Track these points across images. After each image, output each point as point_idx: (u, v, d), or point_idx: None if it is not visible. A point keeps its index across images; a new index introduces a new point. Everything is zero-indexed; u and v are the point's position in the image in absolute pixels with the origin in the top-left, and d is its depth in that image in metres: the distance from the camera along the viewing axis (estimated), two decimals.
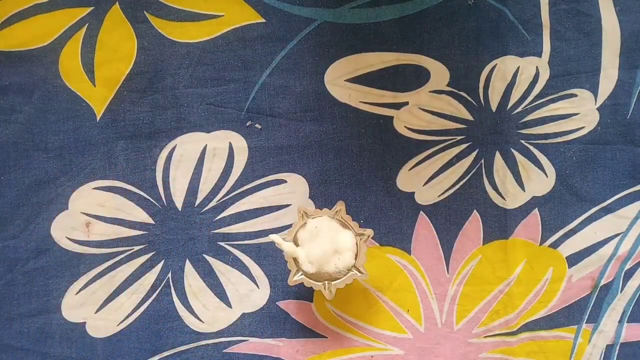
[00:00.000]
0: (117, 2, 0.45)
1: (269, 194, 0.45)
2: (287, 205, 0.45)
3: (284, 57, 0.45)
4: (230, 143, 0.45)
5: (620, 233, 0.44)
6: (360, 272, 0.41)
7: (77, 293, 0.45)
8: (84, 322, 0.45)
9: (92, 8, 0.45)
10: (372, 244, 0.45)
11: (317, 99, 0.45)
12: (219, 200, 0.45)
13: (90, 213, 0.45)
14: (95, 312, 0.45)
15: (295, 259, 0.41)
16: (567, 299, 0.44)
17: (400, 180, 0.45)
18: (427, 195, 0.45)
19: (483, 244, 0.45)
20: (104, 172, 0.45)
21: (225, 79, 0.45)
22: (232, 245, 0.45)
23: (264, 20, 0.45)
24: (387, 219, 0.45)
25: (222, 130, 0.45)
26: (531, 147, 0.45)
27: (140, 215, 0.45)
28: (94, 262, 0.45)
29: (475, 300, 0.45)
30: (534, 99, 0.45)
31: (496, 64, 0.45)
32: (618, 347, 0.44)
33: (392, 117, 0.45)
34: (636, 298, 0.44)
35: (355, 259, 0.41)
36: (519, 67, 0.45)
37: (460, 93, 0.45)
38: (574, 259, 0.44)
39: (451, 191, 0.45)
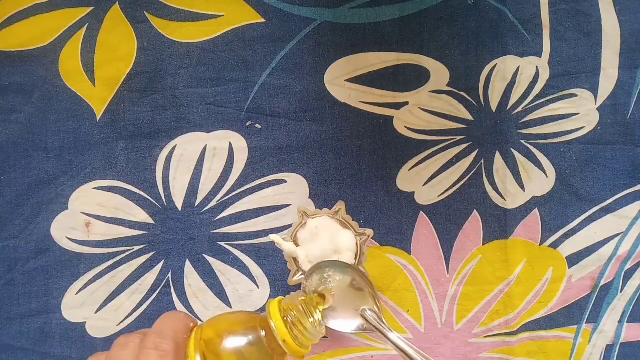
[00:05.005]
0: (117, 2, 0.45)
1: (269, 194, 0.45)
2: (287, 205, 0.45)
3: (284, 57, 0.45)
4: (230, 143, 0.45)
5: (620, 233, 0.44)
6: None
7: (77, 293, 0.45)
8: (84, 322, 0.45)
9: (92, 8, 0.45)
10: (372, 244, 0.45)
11: (317, 99, 0.45)
12: (219, 201, 0.45)
13: (90, 213, 0.45)
14: (95, 312, 0.45)
15: (295, 259, 0.41)
16: (567, 299, 0.44)
17: (400, 180, 0.45)
18: (427, 195, 0.45)
19: (483, 244, 0.45)
20: (104, 172, 0.45)
21: (225, 79, 0.45)
22: (232, 245, 0.45)
23: (264, 20, 0.45)
24: (387, 219, 0.45)
25: (222, 130, 0.45)
26: (531, 147, 0.45)
27: (141, 215, 0.45)
28: (94, 262, 0.45)
29: (475, 300, 0.45)
30: (534, 99, 0.45)
31: (496, 64, 0.45)
32: (618, 347, 0.44)
33: (392, 117, 0.45)
34: (636, 298, 0.44)
35: (356, 258, 0.41)
36: (519, 67, 0.45)
37: (460, 93, 0.45)
38: (574, 259, 0.44)
39: (451, 191, 0.45)
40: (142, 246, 0.45)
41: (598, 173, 0.44)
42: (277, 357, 0.32)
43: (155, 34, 0.45)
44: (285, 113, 0.45)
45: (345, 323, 0.37)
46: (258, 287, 0.45)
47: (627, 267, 0.44)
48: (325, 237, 0.40)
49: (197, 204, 0.45)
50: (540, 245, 0.45)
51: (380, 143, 0.45)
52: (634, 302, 0.44)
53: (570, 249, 0.44)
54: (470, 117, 0.45)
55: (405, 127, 0.45)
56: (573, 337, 0.44)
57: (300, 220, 0.42)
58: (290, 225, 0.44)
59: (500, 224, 0.45)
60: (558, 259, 0.44)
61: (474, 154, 0.45)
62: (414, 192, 0.45)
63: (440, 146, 0.45)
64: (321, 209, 0.43)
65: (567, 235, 0.44)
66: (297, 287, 0.42)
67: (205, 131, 0.45)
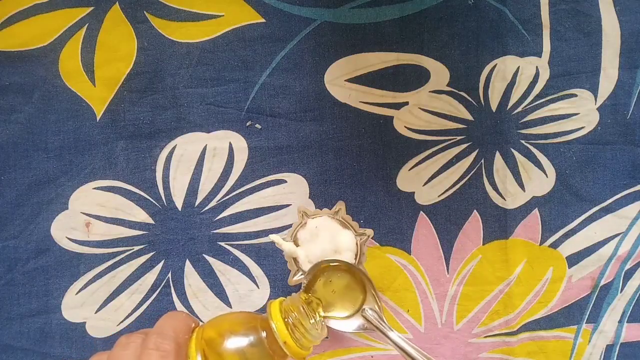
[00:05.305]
0: (117, 2, 0.45)
1: (269, 194, 0.45)
2: (287, 205, 0.45)
3: (284, 57, 0.45)
4: (230, 143, 0.45)
5: (620, 233, 0.44)
6: None
7: (77, 293, 0.45)
8: (84, 322, 0.45)
9: (92, 8, 0.45)
10: (372, 244, 0.45)
11: (317, 99, 0.45)
12: (219, 201, 0.45)
13: (90, 213, 0.45)
14: (95, 312, 0.45)
15: (295, 259, 0.41)
16: (567, 299, 0.44)
17: (400, 180, 0.45)
18: (427, 195, 0.45)
19: (483, 244, 0.45)
20: (104, 172, 0.45)
21: (225, 79, 0.45)
22: (232, 245, 0.45)
23: (264, 20, 0.45)
24: (387, 219, 0.45)
25: (222, 130, 0.45)
26: (531, 147, 0.45)
27: (141, 215, 0.45)
28: (94, 262, 0.45)
29: (475, 300, 0.45)
30: (534, 99, 0.45)
31: (496, 64, 0.45)
32: (618, 347, 0.44)
33: (392, 117, 0.45)
34: (636, 298, 0.44)
35: (356, 258, 0.41)
36: (519, 67, 0.45)
37: (460, 93, 0.45)
38: (574, 259, 0.44)
39: (451, 191, 0.45)
40: (142, 246, 0.45)
41: (598, 173, 0.44)
42: (277, 358, 0.32)
43: (155, 34, 0.45)
44: (285, 113, 0.45)
45: (346, 323, 0.37)
46: (258, 287, 0.45)
47: (627, 267, 0.44)
48: (325, 237, 0.40)
49: (197, 204, 0.45)
50: (540, 245, 0.45)
51: (380, 143, 0.45)
52: (634, 302, 0.44)
53: (570, 249, 0.44)
54: (470, 117, 0.45)
55: (405, 127, 0.45)
56: (573, 337, 0.44)
57: (300, 220, 0.42)
58: (290, 225, 0.44)
59: (500, 224, 0.45)
60: (558, 259, 0.44)
61: (474, 154, 0.45)
62: (414, 192, 0.45)
63: (440, 146, 0.45)
64: (321, 209, 0.43)
65: (567, 235, 0.44)
66: (297, 287, 0.42)
67: (205, 131, 0.45)
